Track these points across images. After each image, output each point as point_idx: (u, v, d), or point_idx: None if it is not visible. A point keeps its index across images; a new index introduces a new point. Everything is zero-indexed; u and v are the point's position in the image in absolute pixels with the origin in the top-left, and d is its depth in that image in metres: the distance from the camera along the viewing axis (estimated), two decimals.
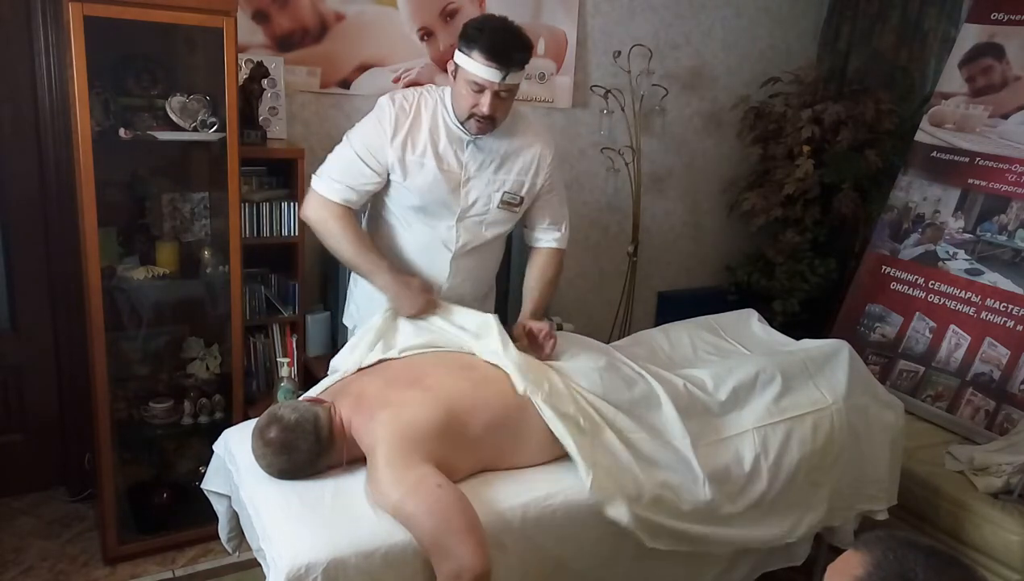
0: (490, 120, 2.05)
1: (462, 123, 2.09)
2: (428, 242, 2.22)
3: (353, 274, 2.35)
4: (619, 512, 1.82)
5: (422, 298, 2.12)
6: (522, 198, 2.23)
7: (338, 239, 2.13)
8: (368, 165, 2.11)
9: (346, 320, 2.45)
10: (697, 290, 4.21)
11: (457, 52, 2.03)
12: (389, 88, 3.11)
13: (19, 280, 2.83)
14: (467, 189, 2.17)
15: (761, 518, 2.04)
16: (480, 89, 2.00)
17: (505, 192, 2.20)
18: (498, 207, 2.21)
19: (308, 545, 1.59)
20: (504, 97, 2.04)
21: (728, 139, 4.08)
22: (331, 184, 2.13)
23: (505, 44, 1.98)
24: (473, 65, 1.98)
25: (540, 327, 2.14)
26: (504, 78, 1.98)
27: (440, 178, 2.13)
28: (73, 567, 2.62)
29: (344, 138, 2.18)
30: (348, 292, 2.44)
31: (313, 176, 2.17)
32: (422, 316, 2.12)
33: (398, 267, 2.19)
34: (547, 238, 2.34)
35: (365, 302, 2.30)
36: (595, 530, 1.86)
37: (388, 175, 2.14)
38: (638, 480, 1.88)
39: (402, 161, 2.11)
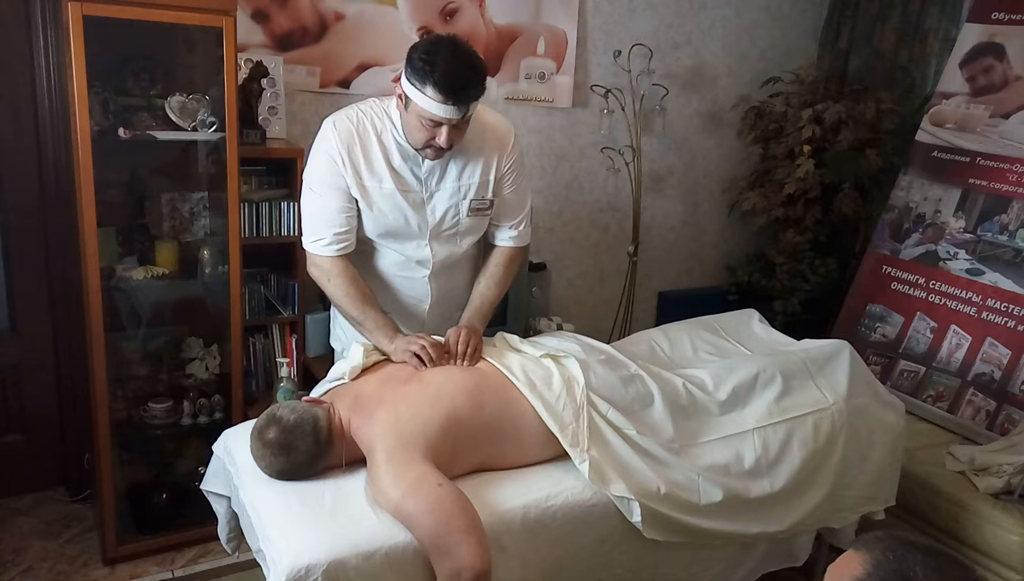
0: (448, 149, 1.96)
1: (417, 150, 2.00)
2: (404, 265, 2.16)
3: None
4: (621, 489, 1.82)
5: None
6: (491, 201, 2.14)
7: (340, 296, 2.06)
8: (336, 201, 2.03)
9: (333, 342, 2.40)
10: (697, 290, 4.21)
11: (405, 81, 1.89)
12: (389, 88, 3.11)
13: (18, 280, 2.83)
14: (432, 205, 2.08)
15: (761, 516, 2.04)
16: (436, 124, 1.89)
17: (472, 199, 2.10)
18: (468, 216, 2.12)
19: (308, 546, 1.58)
20: (462, 127, 1.94)
21: (728, 139, 4.07)
22: (318, 240, 2.05)
23: (461, 80, 1.84)
24: (427, 102, 1.85)
25: (463, 338, 2.01)
26: (464, 115, 1.89)
27: (402, 200, 2.05)
28: (72, 567, 2.61)
29: (304, 185, 2.08)
30: (332, 314, 2.37)
31: (302, 238, 2.10)
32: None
33: (390, 305, 2.13)
34: (504, 236, 2.23)
35: (351, 326, 2.22)
36: (595, 531, 1.86)
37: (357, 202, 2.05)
38: (636, 472, 1.88)
39: (360, 185, 2.02)
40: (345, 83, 3.10)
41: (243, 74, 2.63)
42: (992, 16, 3.38)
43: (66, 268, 2.74)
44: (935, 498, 2.63)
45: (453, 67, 1.84)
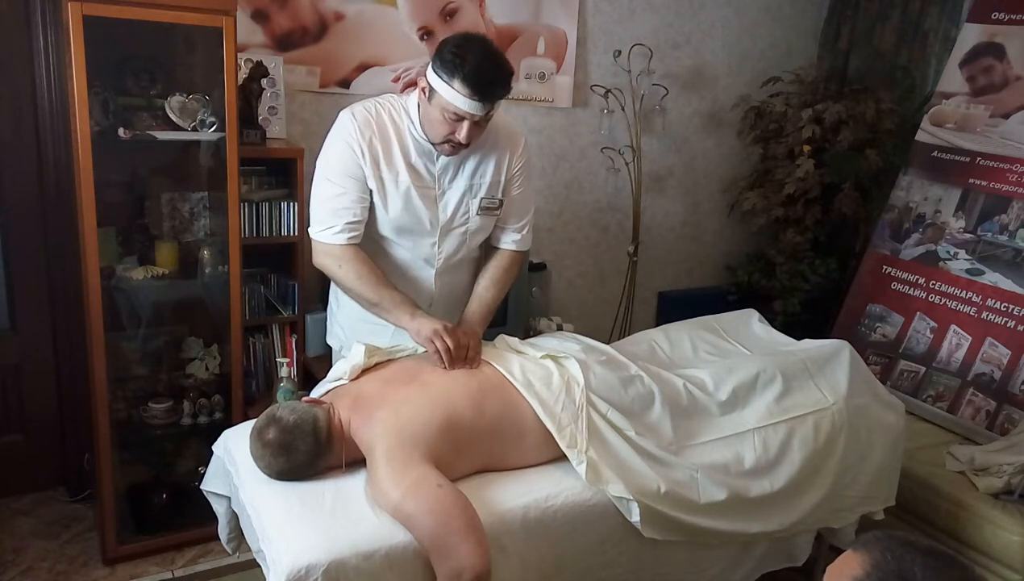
0: (465, 146, 1.97)
1: (434, 145, 2.01)
2: (410, 261, 2.16)
3: (334, 295, 2.29)
4: (620, 489, 1.82)
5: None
6: (500, 200, 2.16)
7: (353, 279, 2.03)
8: (351, 191, 2.02)
9: (331, 341, 2.39)
10: (697, 290, 4.21)
11: (432, 74, 1.90)
12: (389, 87, 3.11)
13: (18, 280, 2.83)
14: (444, 202, 2.09)
15: (760, 516, 2.04)
16: (458, 119, 1.90)
17: (483, 197, 2.12)
18: (478, 214, 2.13)
19: (308, 546, 1.58)
20: (482, 125, 1.95)
21: (728, 139, 4.07)
22: (328, 229, 2.03)
23: (489, 77, 1.87)
24: (453, 95, 1.87)
25: (463, 340, 1.99)
26: (487, 112, 1.91)
27: (416, 196, 2.05)
28: (72, 568, 2.61)
29: (317, 172, 2.07)
30: (330, 312, 2.37)
31: (309, 228, 2.09)
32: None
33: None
34: (507, 239, 2.23)
35: (349, 324, 2.23)
36: (595, 531, 1.85)
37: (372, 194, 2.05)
38: (635, 472, 1.88)
39: (378, 177, 2.03)
40: (345, 83, 3.10)
41: (243, 74, 2.63)
42: (992, 16, 3.38)
43: (66, 268, 2.74)
44: (935, 498, 2.63)
45: (483, 63, 1.86)
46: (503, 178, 2.14)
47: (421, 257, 2.16)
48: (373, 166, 2.02)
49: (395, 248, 2.15)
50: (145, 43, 2.53)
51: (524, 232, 2.25)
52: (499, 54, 1.93)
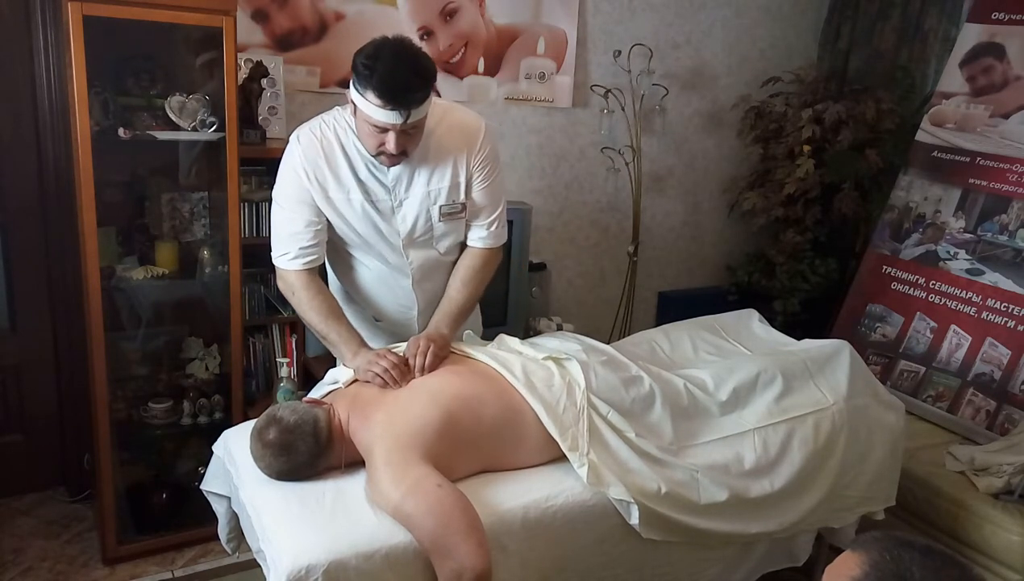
0: (402, 155, 1.90)
1: (373, 156, 1.95)
2: (385, 274, 2.14)
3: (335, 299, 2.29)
4: (621, 492, 1.82)
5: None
6: (463, 204, 2.08)
7: (305, 309, 2.03)
8: (303, 217, 2.00)
9: None
10: (697, 290, 4.21)
11: (351, 87, 1.84)
12: None
13: (18, 280, 2.83)
14: (401, 213, 2.04)
15: (760, 516, 2.04)
16: (383, 130, 1.84)
17: (443, 204, 2.05)
18: (440, 221, 2.07)
19: (309, 546, 1.58)
20: (412, 133, 1.87)
21: (728, 139, 4.07)
22: (283, 255, 2.03)
23: (400, 84, 1.78)
24: (368, 107, 1.80)
25: (421, 348, 1.93)
26: (406, 120, 1.81)
27: (371, 210, 2.01)
28: (72, 568, 2.61)
29: (272, 200, 2.06)
30: None
31: (271, 252, 2.08)
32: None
33: (370, 312, 2.13)
34: (474, 236, 2.16)
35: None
36: (595, 531, 1.85)
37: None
38: (636, 473, 1.88)
39: (327, 198, 1.99)
40: (345, 83, 3.04)
41: (243, 74, 2.63)
42: (992, 16, 3.38)
43: (66, 268, 2.75)
44: (935, 498, 2.63)
45: (393, 71, 1.77)
46: (462, 180, 2.05)
47: (394, 268, 2.13)
48: (321, 189, 1.99)
49: (368, 261, 2.14)
50: (145, 43, 2.53)
51: (493, 228, 2.15)
52: (415, 57, 1.83)
